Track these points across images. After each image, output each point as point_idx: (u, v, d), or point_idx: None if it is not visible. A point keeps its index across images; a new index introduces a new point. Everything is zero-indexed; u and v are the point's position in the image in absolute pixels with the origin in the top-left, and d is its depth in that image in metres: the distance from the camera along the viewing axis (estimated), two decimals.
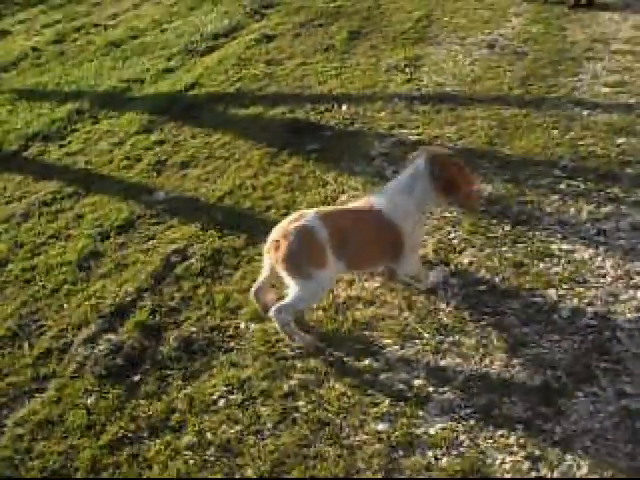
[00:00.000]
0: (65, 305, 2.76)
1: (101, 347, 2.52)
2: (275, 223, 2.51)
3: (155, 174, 3.63)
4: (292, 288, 2.27)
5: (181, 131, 4.05)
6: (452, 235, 2.76)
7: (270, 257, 2.29)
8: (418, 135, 3.48)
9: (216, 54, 5.27)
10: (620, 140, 3.20)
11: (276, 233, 2.28)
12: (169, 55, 5.45)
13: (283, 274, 2.27)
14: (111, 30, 6.68)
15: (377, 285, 2.56)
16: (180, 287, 2.72)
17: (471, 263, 2.59)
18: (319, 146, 3.52)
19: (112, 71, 5.37)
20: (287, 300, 2.29)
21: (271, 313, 2.33)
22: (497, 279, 2.51)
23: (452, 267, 2.59)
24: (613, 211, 2.78)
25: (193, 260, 2.85)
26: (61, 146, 4.15)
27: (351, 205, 2.52)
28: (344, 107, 3.87)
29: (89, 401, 2.30)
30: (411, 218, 2.34)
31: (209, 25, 5.98)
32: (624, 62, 3.96)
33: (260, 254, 2.62)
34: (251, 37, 5.47)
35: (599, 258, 2.56)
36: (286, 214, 3.01)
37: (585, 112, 3.47)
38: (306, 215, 2.28)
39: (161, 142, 3.97)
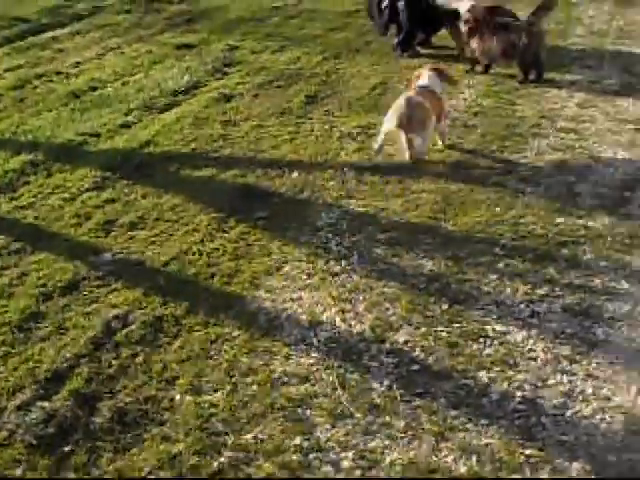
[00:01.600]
0: (1, 368, 2.72)
1: (34, 415, 2.49)
2: (218, 292, 2.56)
3: (103, 234, 3.62)
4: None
5: (133, 190, 4.06)
6: (390, 312, 2.80)
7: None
8: (365, 207, 3.52)
9: (174, 111, 5.31)
10: (559, 220, 3.29)
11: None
12: (127, 110, 5.48)
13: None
14: (73, 79, 6.70)
15: (312, 361, 2.57)
16: (119, 354, 2.72)
17: (407, 342, 2.63)
18: (267, 213, 3.56)
19: (70, 123, 5.37)
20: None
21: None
22: (431, 359, 2.55)
23: (388, 345, 2.61)
24: (547, 293, 2.85)
25: (134, 327, 2.85)
26: (12, 199, 4.12)
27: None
28: (295, 174, 3.91)
29: (17, 472, 2.26)
30: None
31: (169, 81, 6.04)
32: (567, 140, 4.09)
33: (199, 324, 2.73)
34: (210, 96, 5.54)
35: (531, 341, 2.62)
36: (228, 283, 3.05)
37: (528, 190, 3.56)
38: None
39: (112, 200, 3.97)
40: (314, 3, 8.75)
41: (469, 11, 5.11)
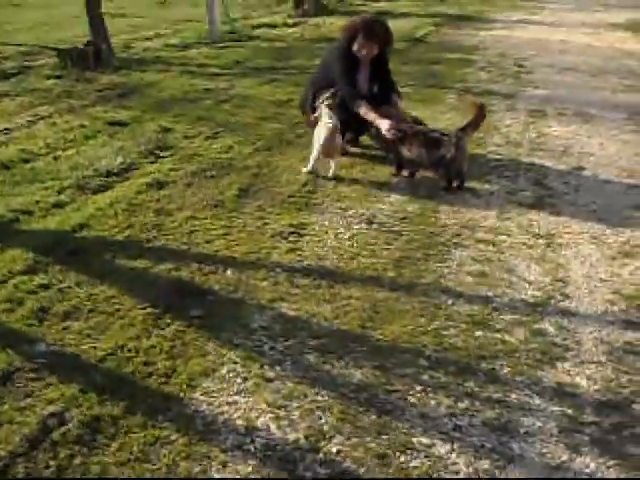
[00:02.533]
0: None
1: None
2: (156, 392, 2.85)
3: (37, 322, 3.65)
4: None
5: (66, 276, 4.11)
6: (323, 420, 2.94)
7: None
8: (297, 311, 3.68)
9: (108, 194, 5.40)
10: (478, 333, 3.52)
11: None
12: (60, 188, 5.54)
13: None
14: (3, 148, 6.70)
15: (249, 469, 2.68)
16: (56, 455, 2.75)
17: (339, 452, 2.77)
18: (202, 312, 3.68)
19: (0, 197, 5.37)
20: None
21: None
22: (362, 470, 2.69)
23: (321, 455, 2.75)
24: (468, 406, 3.05)
25: (71, 425, 2.89)
26: None
27: None
28: (228, 272, 4.05)
29: None
30: None
31: (103, 160, 6.14)
32: (486, 252, 4.37)
33: (138, 425, 2.85)
34: (143, 181, 5.65)
35: (454, 454, 2.80)
36: (166, 383, 3.13)
37: (450, 301, 3.80)
38: None
39: (45, 286, 4.01)
40: (246, 89, 9.04)
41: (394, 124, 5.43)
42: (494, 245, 4.45)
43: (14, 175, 5.88)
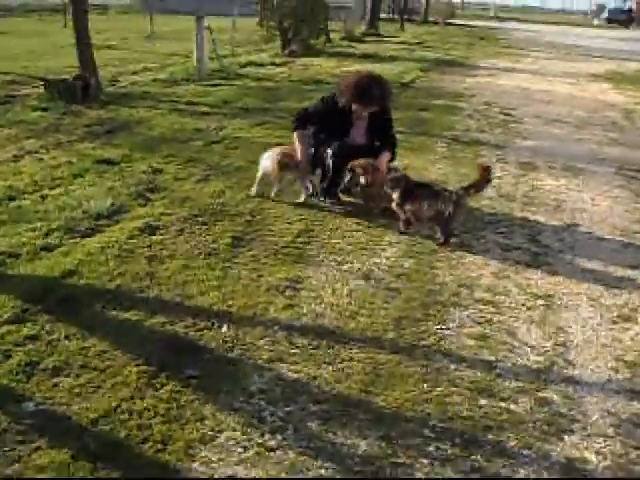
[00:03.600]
0: None
1: None
2: (152, 461, 2.78)
3: (25, 378, 3.51)
4: None
5: (56, 327, 3.97)
6: None
7: None
8: (297, 372, 3.57)
9: (98, 238, 5.28)
10: (483, 401, 3.43)
11: None
12: (48, 229, 5.41)
13: None
14: None
15: None
16: None
17: None
18: (198, 372, 3.55)
19: None
20: None
21: None
22: None
23: None
24: None
25: None
26: None
27: None
28: (224, 328, 3.94)
29: None
30: None
31: (92, 201, 6.01)
32: (486, 313, 4.29)
33: None
34: (135, 225, 5.54)
35: None
36: (162, 450, 3.00)
37: (452, 366, 3.71)
38: None
39: (34, 338, 3.87)
40: (236, 130, 8.99)
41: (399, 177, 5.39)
42: (493, 305, 4.38)
43: (0, 213, 5.72)
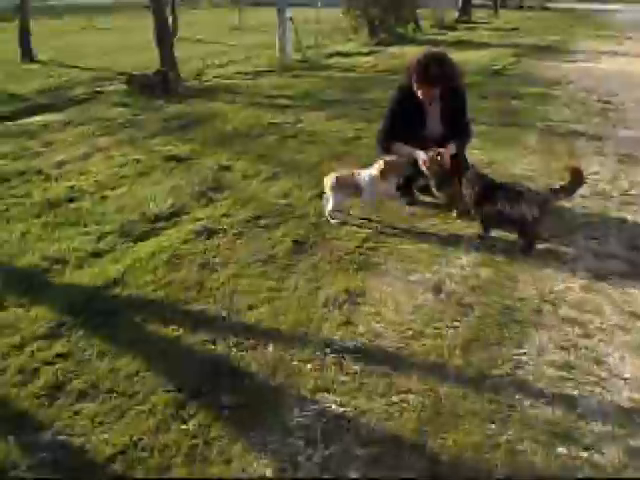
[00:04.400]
0: None
1: None
2: None
3: (48, 402, 3.19)
4: None
5: (89, 344, 3.66)
6: None
7: None
8: (343, 406, 3.11)
9: (151, 242, 4.98)
10: (560, 449, 2.89)
11: None
12: (101, 233, 5.16)
13: None
14: (52, 183, 6.37)
15: None
16: None
17: None
18: (233, 401, 3.15)
19: (38, 242, 5.01)
20: None
21: None
22: None
23: None
24: None
25: None
26: None
27: None
28: (270, 348, 3.51)
29: None
30: None
31: (151, 203, 5.69)
32: (571, 335, 3.72)
33: None
34: (191, 228, 5.21)
35: None
36: None
37: (527, 402, 3.17)
38: None
39: (64, 356, 3.58)
40: (313, 124, 8.56)
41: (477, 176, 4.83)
42: (581, 326, 3.79)
43: (57, 216, 5.51)
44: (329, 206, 5.28)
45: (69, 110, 10.47)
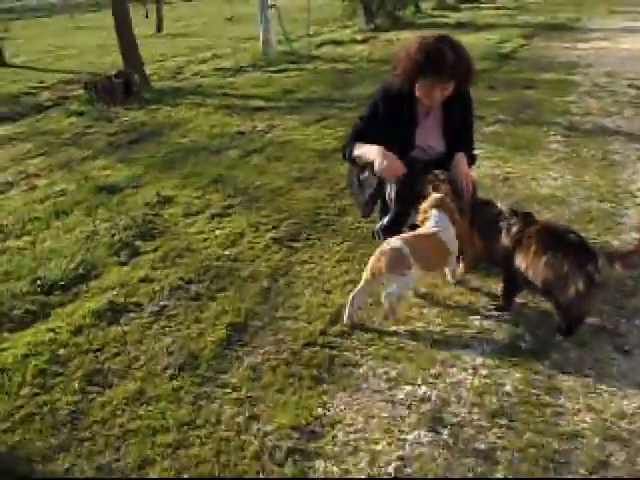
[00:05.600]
0: None
1: None
2: None
3: None
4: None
5: None
6: None
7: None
8: None
9: (31, 331, 3.50)
10: None
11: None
12: None
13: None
14: None
15: None
16: None
17: None
18: None
19: None
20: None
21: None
22: None
23: None
24: None
25: None
26: None
27: None
28: None
29: None
30: None
31: (54, 261, 4.20)
32: None
33: None
34: (93, 305, 3.77)
35: None
36: None
37: None
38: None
39: None
40: (286, 132, 7.00)
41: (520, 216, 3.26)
42: None
43: None
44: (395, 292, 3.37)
45: (23, 121, 9.01)
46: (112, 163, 6.59)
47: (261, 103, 9.01)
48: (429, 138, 4.08)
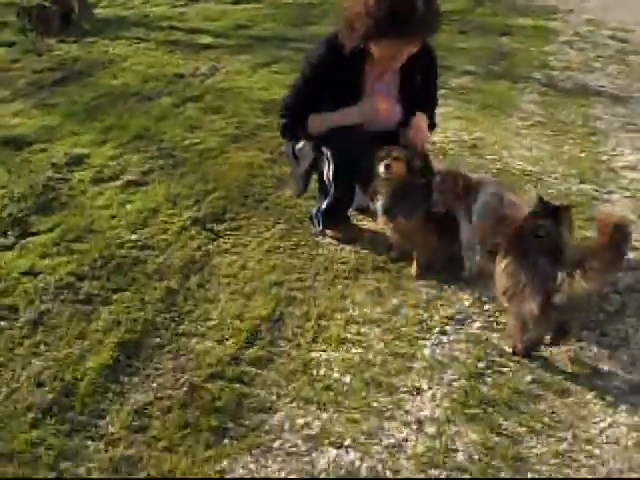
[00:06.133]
0: None
1: None
2: None
3: None
4: None
5: None
6: None
7: None
8: None
9: None
10: None
11: None
12: None
13: None
14: None
15: None
16: None
17: None
18: None
19: None
20: None
21: None
22: None
23: None
24: None
25: None
26: None
27: None
28: None
29: None
30: None
31: None
32: None
33: None
34: None
35: None
36: None
37: None
38: None
39: None
40: (230, 75, 6.25)
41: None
42: None
43: None
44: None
45: None
46: (27, 108, 5.73)
47: (209, 39, 8.10)
48: (383, 105, 3.31)
